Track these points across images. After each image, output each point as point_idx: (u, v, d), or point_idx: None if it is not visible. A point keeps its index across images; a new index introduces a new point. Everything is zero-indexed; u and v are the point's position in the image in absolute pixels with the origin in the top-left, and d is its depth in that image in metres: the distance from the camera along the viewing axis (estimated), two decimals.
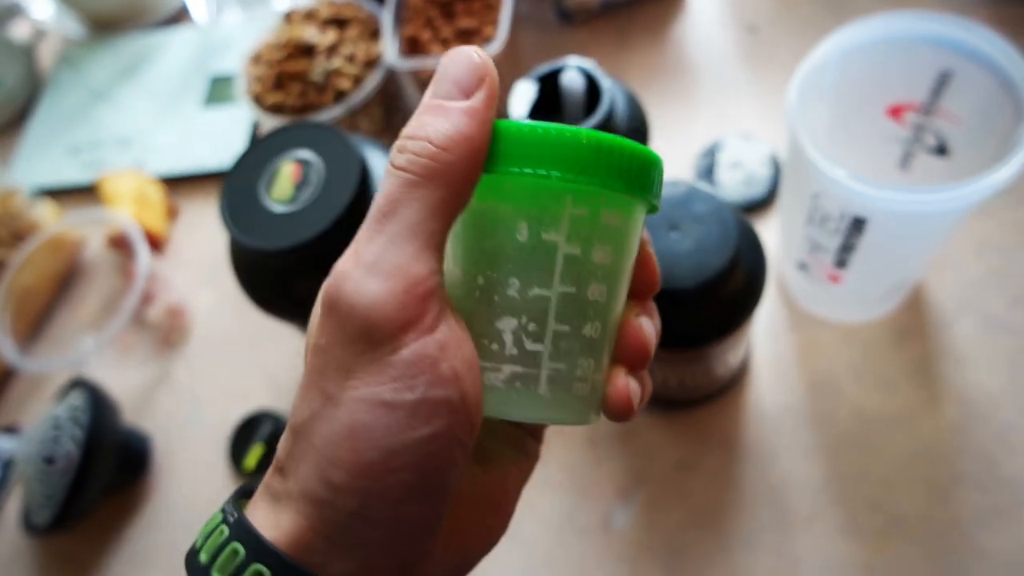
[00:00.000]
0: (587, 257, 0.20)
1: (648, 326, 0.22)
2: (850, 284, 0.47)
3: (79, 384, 0.58)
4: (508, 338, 0.20)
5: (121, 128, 0.75)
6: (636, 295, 0.23)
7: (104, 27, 0.85)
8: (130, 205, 0.65)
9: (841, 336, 0.53)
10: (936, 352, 0.51)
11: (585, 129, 0.19)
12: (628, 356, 0.22)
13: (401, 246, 0.19)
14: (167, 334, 0.63)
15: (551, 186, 0.19)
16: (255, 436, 0.57)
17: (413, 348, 0.18)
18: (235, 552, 0.19)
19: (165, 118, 0.75)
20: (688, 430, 0.52)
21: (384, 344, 0.18)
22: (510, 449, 0.24)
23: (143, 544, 0.57)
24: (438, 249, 0.19)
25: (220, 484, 0.57)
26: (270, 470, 0.21)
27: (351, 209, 0.41)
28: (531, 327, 0.20)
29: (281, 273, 0.44)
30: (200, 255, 0.69)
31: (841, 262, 0.45)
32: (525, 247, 0.20)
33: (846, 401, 0.51)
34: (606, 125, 0.45)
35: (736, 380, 0.52)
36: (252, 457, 0.56)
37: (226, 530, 0.20)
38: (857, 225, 0.40)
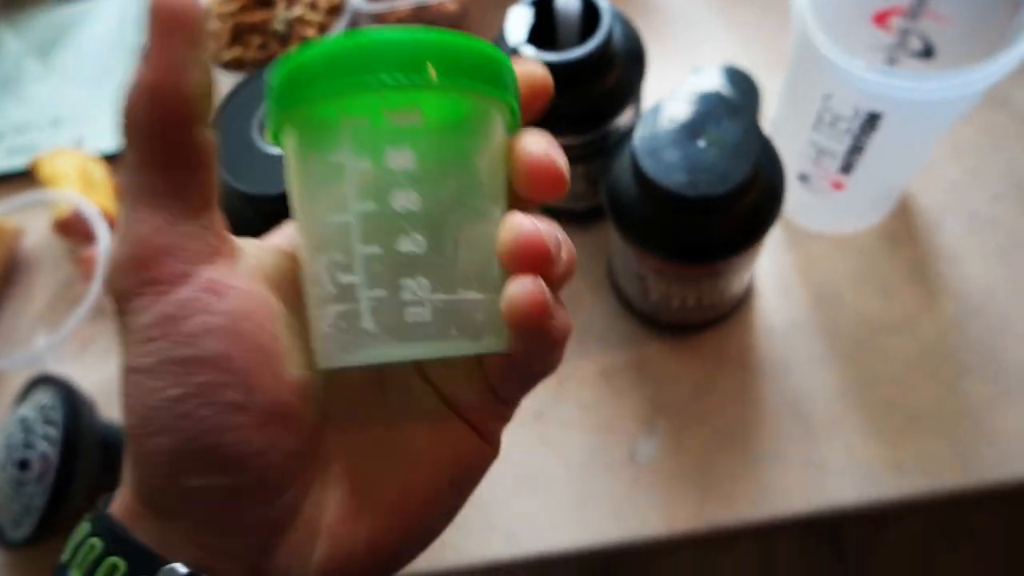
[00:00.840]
0: (379, 165, 0.18)
1: (521, 220, 0.18)
2: (852, 190, 0.47)
3: (44, 381, 0.53)
4: (325, 276, 0.19)
5: (48, 109, 0.69)
6: (530, 194, 0.19)
7: (11, 2, 0.77)
8: (74, 186, 0.59)
9: (836, 247, 0.54)
10: (928, 254, 0.53)
11: (335, 37, 0.18)
12: (512, 257, 0.18)
13: (129, 210, 0.18)
14: None
15: (321, 108, 0.18)
16: None
17: (152, 310, 0.17)
18: (92, 546, 0.19)
19: (98, 94, 0.69)
20: (701, 353, 0.52)
21: (125, 311, 0.18)
22: (440, 431, 0.21)
23: None
24: (161, 208, 0.18)
25: None
26: None
27: None
28: (339, 258, 0.18)
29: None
30: None
31: (847, 167, 0.45)
32: (315, 174, 0.19)
33: (850, 308, 0.52)
34: (605, 48, 0.44)
35: (743, 300, 0.52)
36: None
37: (86, 526, 0.20)
38: (871, 122, 0.40)
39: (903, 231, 0.53)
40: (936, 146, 0.55)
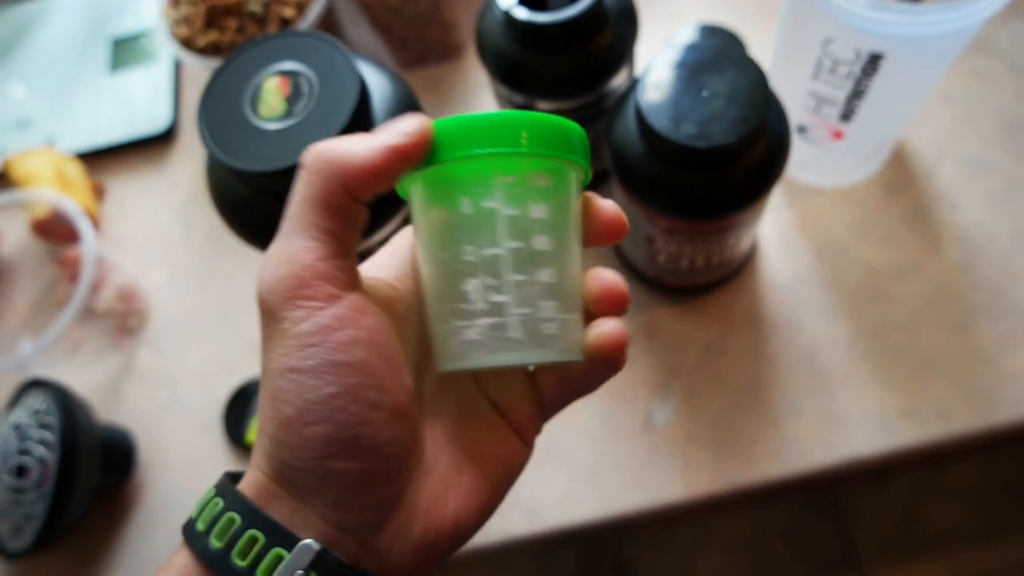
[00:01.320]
0: (525, 215, 0.23)
1: (607, 273, 0.25)
2: (852, 138, 0.47)
3: (35, 385, 0.51)
4: (475, 296, 0.23)
5: (14, 109, 0.66)
6: (597, 241, 0.25)
7: None
8: (50, 186, 0.57)
9: (836, 200, 0.53)
10: (927, 200, 0.53)
11: (500, 112, 0.23)
12: (600, 302, 0.24)
13: (290, 238, 0.23)
14: (122, 320, 0.56)
15: (480, 164, 0.23)
16: (251, 407, 0.52)
17: (311, 321, 0.22)
18: (231, 520, 0.22)
19: (67, 92, 0.66)
20: (710, 314, 0.51)
21: (282, 320, 0.22)
22: (492, 433, 0.26)
23: (144, 549, 0.51)
24: (326, 244, 0.23)
25: (220, 467, 0.52)
26: None
27: (357, 114, 0.37)
28: (491, 282, 0.23)
29: (281, 200, 0.39)
30: (138, 233, 0.62)
31: (847, 114, 0.45)
32: (471, 217, 0.23)
33: (854, 260, 0.52)
34: (597, 8, 0.43)
35: (748, 259, 0.52)
36: (253, 431, 0.51)
37: (220, 501, 0.22)
38: (873, 63, 0.40)
39: (900, 180, 0.53)
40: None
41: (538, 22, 0.42)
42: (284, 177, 0.37)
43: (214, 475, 0.51)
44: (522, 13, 0.43)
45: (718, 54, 0.39)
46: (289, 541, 0.22)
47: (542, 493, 0.48)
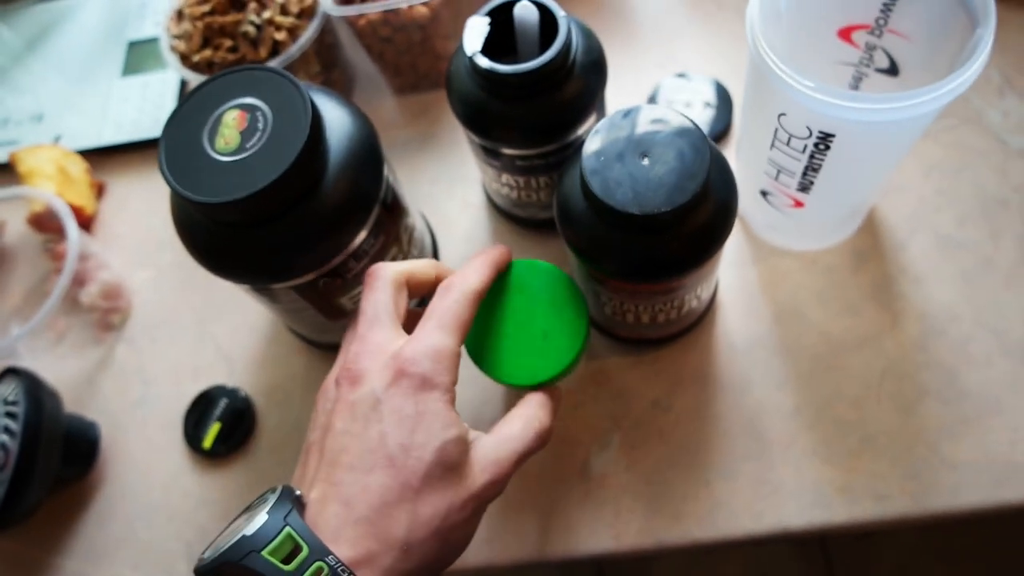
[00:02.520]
0: None
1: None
2: (813, 207, 0.47)
3: (7, 373, 0.54)
4: None
5: (31, 104, 0.70)
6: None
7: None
8: (51, 181, 0.60)
9: (802, 264, 0.53)
10: (894, 272, 0.52)
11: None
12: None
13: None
14: (105, 316, 0.59)
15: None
16: (211, 414, 0.54)
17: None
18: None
19: (80, 91, 0.69)
20: (660, 368, 0.52)
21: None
22: None
23: (99, 537, 0.53)
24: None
25: (176, 466, 0.54)
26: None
27: (305, 153, 0.39)
28: None
29: (232, 228, 0.41)
30: (133, 232, 0.64)
31: (804, 186, 0.45)
32: None
33: (812, 326, 0.51)
34: (563, 59, 0.43)
35: (705, 314, 0.52)
36: (210, 436, 0.53)
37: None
38: (824, 141, 0.40)
39: (870, 248, 0.53)
40: (905, 163, 0.54)
41: (500, 71, 0.43)
42: (232, 208, 0.38)
43: (169, 474, 0.53)
44: (484, 62, 0.43)
45: (662, 118, 0.40)
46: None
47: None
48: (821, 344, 0.51)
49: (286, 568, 0.29)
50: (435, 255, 0.57)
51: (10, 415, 0.51)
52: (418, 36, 0.57)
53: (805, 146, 0.41)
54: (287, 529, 0.30)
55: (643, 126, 0.40)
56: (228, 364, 0.57)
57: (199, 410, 0.55)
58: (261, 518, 0.30)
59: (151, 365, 0.58)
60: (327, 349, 0.56)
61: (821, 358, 0.50)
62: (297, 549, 0.30)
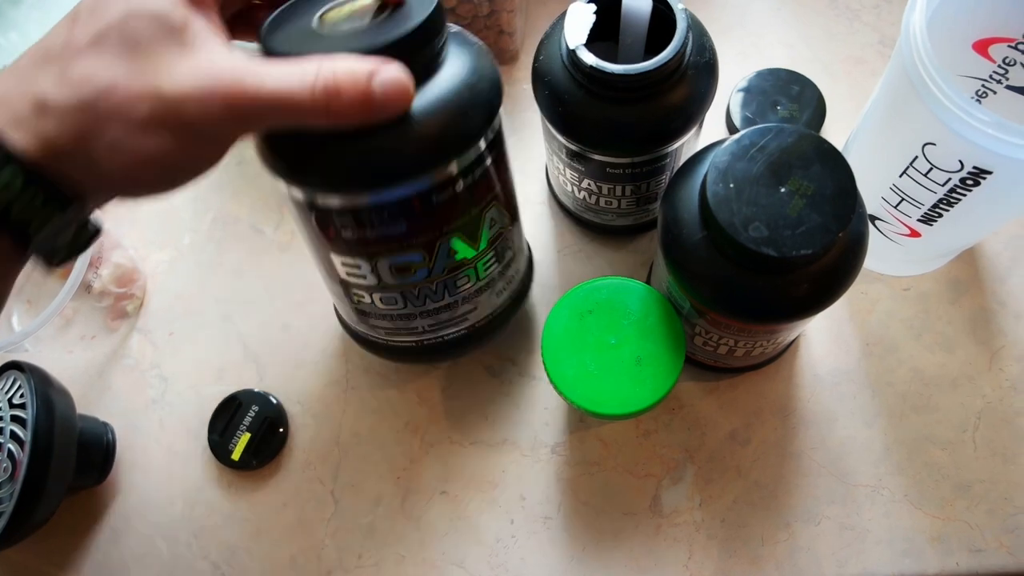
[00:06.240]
0: None
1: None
2: (929, 239, 0.43)
3: (12, 368, 0.48)
4: None
5: None
6: None
7: None
8: None
9: (894, 291, 0.49)
10: (993, 306, 0.48)
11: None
12: None
13: None
14: (117, 301, 0.53)
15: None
16: (239, 422, 0.49)
17: None
18: None
19: None
20: (739, 398, 0.48)
21: None
22: None
23: (114, 553, 0.48)
24: None
25: (200, 477, 0.49)
26: None
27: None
28: None
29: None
30: (146, 209, 0.58)
31: (930, 218, 0.40)
32: None
33: (904, 360, 0.48)
34: (680, 59, 0.38)
35: (790, 344, 0.48)
36: (239, 447, 0.48)
37: None
38: (975, 177, 0.36)
39: (969, 278, 0.49)
40: None
41: (609, 71, 0.37)
42: None
43: (192, 486, 0.48)
44: (590, 58, 0.38)
45: (803, 141, 0.35)
46: None
47: (534, 564, 0.45)
48: (913, 381, 0.47)
49: None
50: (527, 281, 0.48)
51: (17, 420, 0.45)
52: (485, 9, 0.51)
53: (948, 179, 0.37)
54: None
55: (778, 148, 0.35)
56: (257, 365, 0.52)
57: (226, 416, 0.49)
58: None
59: (169, 361, 0.53)
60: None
61: (912, 396, 0.47)
62: None
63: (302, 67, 0.28)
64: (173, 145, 0.27)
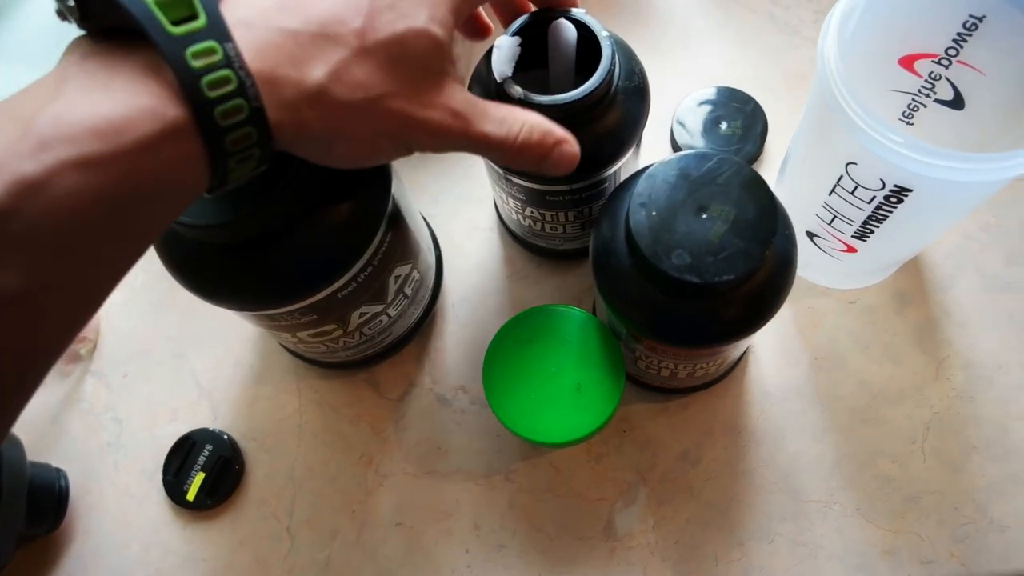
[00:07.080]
0: None
1: None
2: (866, 254, 0.43)
3: None
4: None
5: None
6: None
7: None
8: None
9: (840, 304, 0.49)
10: (938, 315, 0.49)
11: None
12: None
13: None
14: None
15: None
16: (194, 462, 0.49)
17: None
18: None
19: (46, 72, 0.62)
20: (689, 418, 0.48)
21: None
22: None
23: None
24: None
25: (155, 519, 0.49)
26: None
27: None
28: None
29: (218, 251, 0.37)
30: None
31: (863, 234, 0.41)
32: None
33: (851, 374, 0.48)
34: (608, 86, 0.38)
35: (738, 362, 0.48)
36: (193, 488, 0.48)
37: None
38: (897, 194, 0.36)
39: (913, 290, 0.49)
40: None
41: (537, 102, 0.38)
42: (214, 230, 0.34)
43: (148, 528, 0.48)
44: (517, 91, 0.38)
45: (724, 166, 0.35)
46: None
47: None
48: (861, 394, 0.47)
49: (170, 29, 0.22)
50: (439, 282, 0.51)
51: None
52: None
53: (873, 197, 0.37)
54: None
55: (698, 174, 0.35)
56: (211, 403, 0.52)
57: (180, 457, 0.49)
58: None
59: (123, 403, 0.52)
60: (330, 372, 0.51)
61: (861, 410, 0.47)
62: (193, 16, 0.23)
63: (513, 116, 0.31)
64: (386, 152, 0.30)
